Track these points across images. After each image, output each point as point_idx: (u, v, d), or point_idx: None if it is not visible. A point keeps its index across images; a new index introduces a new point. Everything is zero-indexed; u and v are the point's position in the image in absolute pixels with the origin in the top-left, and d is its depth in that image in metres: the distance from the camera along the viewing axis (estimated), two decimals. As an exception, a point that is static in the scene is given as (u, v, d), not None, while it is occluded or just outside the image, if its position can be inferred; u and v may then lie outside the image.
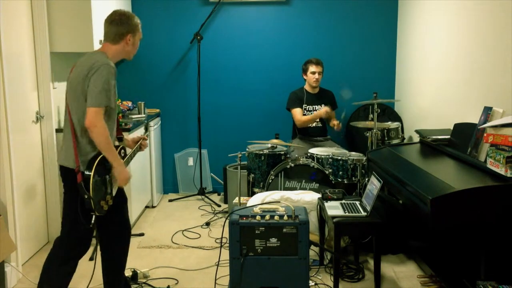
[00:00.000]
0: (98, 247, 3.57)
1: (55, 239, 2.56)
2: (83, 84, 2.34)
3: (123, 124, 4.01)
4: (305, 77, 4.58)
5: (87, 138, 2.39)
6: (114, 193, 2.52)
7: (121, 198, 2.66)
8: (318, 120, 4.60)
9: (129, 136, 2.91)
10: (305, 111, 4.58)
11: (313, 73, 4.49)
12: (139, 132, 4.34)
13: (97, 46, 3.77)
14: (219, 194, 5.19)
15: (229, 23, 5.02)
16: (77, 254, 2.53)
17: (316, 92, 4.62)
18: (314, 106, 4.59)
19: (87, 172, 2.34)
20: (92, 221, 2.46)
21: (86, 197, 2.32)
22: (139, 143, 2.77)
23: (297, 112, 4.53)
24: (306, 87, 4.63)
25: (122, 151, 2.60)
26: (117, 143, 2.64)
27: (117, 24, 2.47)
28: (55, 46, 3.71)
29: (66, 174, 2.44)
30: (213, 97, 5.12)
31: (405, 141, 4.48)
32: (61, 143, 2.51)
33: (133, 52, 2.60)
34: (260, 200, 3.41)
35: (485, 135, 2.57)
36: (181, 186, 5.23)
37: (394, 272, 3.26)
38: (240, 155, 4.00)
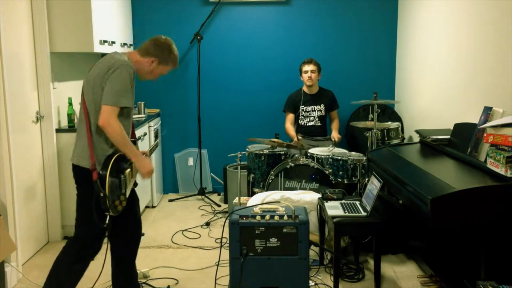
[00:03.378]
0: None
1: (68, 238, 2.56)
2: (101, 82, 2.34)
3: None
4: (301, 78, 4.60)
5: (103, 137, 2.38)
6: (128, 193, 2.51)
7: (133, 199, 2.67)
8: (318, 120, 4.61)
9: None
10: (303, 112, 4.60)
11: (306, 72, 4.51)
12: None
13: (97, 46, 3.78)
14: (219, 194, 5.19)
15: (229, 23, 5.02)
16: (89, 253, 2.53)
17: (314, 93, 4.63)
18: (312, 107, 4.60)
19: (103, 171, 2.32)
20: (107, 221, 2.45)
21: (101, 195, 2.29)
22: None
23: (287, 118, 4.67)
24: (304, 88, 4.64)
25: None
26: None
27: (156, 45, 2.54)
28: (55, 46, 3.71)
29: (80, 173, 2.43)
30: (213, 97, 5.12)
31: (405, 141, 4.48)
32: (75, 142, 2.48)
33: (148, 76, 2.60)
34: (260, 200, 3.41)
35: (485, 135, 2.57)
36: (181, 186, 5.23)
37: (394, 272, 3.26)
38: (240, 155, 4.00)
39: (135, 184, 2.68)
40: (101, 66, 2.39)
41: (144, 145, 4.46)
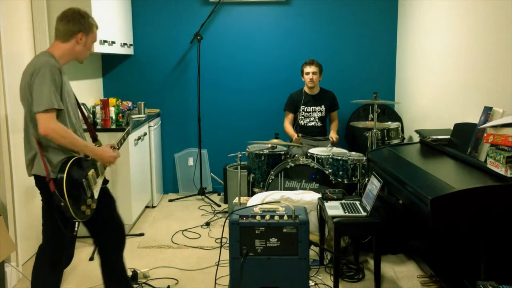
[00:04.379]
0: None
1: (39, 246, 2.48)
2: (29, 90, 2.21)
3: (123, 124, 4.01)
4: (302, 79, 4.60)
5: (51, 144, 2.26)
6: (96, 195, 2.41)
7: (109, 199, 2.58)
8: (318, 120, 4.62)
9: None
10: (304, 113, 4.60)
11: (308, 73, 4.51)
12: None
13: (97, 46, 3.77)
14: (219, 194, 5.19)
15: (229, 23, 5.02)
16: (62, 260, 2.46)
17: (315, 93, 4.63)
18: (313, 108, 4.61)
19: (59, 178, 2.20)
20: (76, 228, 2.38)
21: (62, 204, 2.18)
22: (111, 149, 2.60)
23: (286, 117, 4.68)
24: (305, 88, 4.64)
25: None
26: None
27: (69, 21, 2.34)
28: (55, 46, 3.70)
29: (39, 182, 2.33)
30: (213, 97, 5.12)
31: (405, 141, 4.48)
32: (26, 153, 2.35)
33: (85, 54, 2.44)
34: (260, 200, 3.41)
35: (485, 135, 2.57)
36: (181, 186, 5.23)
37: (394, 272, 3.26)
38: (240, 155, 4.00)
39: (106, 182, 2.57)
40: (25, 75, 2.26)
41: (144, 145, 4.47)
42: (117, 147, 2.64)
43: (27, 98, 2.24)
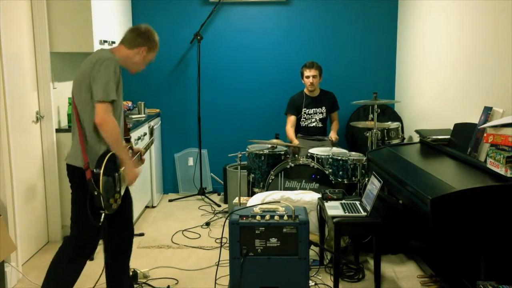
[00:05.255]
0: (98, 248, 3.58)
1: (64, 237, 2.56)
2: (88, 80, 2.33)
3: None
4: (302, 81, 4.60)
5: (96, 135, 2.37)
6: (122, 191, 2.50)
7: (127, 199, 2.65)
8: (319, 121, 4.62)
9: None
10: (305, 114, 4.60)
11: (308, 77, 4.51)
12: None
13: (97, 46, 3.77)
14: (219, 194, 5.19)
15: (229, 23, 5.02)
16: (86, 252, 2.52)
17: (316, 95, 4.63)
18: (314, 109, 4.61)
19: (96, 169, 2.30)
20: (102, 219, 2.42)
21: (96, 193, 2.28)
22: (137, 155, 2.73)
23: (288, 120, 4.64)
24: (305, 90, 4.64)
25: (130, 151, 2.60)
26: (124, 143, 2.62)
27: (139, 34, 2.53)
28: (55, 46, 3.71)
29: (74, 173, 2.42)
30: (213, 97, 5.12)
31: (405, 141, 4.48)
32: (71, 142, 2.49)
33: (140, 67, 2.61)
34: (260, 200, 3.41)
35: (485, 135, 2.57)
36: (181, 186, 5.23)
37: (394, 272, 3.26)
38: (240, 155, 4.00)
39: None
40: (86, 64, 2.39)
41: (144, 145, 4.46)
42: (143, 152, 2.79)
43: (85, 85, 2.34)
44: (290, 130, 4.59)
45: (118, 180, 2.43)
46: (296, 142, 4.41)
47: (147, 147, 3.01)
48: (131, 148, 2.64)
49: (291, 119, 4.63)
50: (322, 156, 4.00)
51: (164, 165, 5.21)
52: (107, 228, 2.59)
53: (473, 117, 3.05)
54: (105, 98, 2.29)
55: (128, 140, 2.67)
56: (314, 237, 3.30)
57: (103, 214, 2.39)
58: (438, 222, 2.31)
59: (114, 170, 2.40)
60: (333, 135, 4.50)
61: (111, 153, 2.37)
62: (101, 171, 2.29)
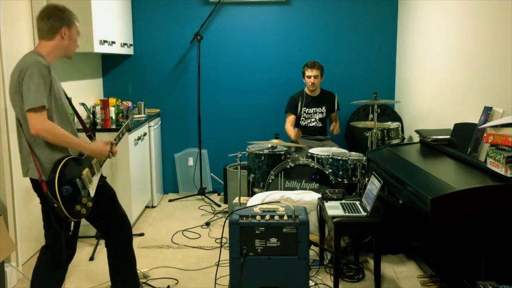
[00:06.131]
0: (98, 247, 3.59)
1: (41, 247, 2.50)
2: (17, 89, 2.21)
3: (123, 123, 4.00)
4: (304, 80, 4.60)
5: (42, 143, 2.25)
6: (92, 193, 2.40)
7: (108, 194, 2.56)
8: (319, 121, 4.62)
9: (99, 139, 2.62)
10: (305, 114, 4.60)
11: (309, 77, 4.51)
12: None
13: (97, 46, 3.78)
14: (219, 194, 5.19)
15: (229, 23, 5.02)
16: (63, 260, 2.47)
17: (316, 95, 4.63)
18: (314, 109, 4.61)
19: (51, 179, 2.20)
20: (72, 228, 2.39)
21: (55, 205, 2.18)
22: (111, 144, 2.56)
23: (288, 119, 4.65)
24: (306, 89, 4.64)
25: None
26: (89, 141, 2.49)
27: (49, 18, 2.33)
28: (55, 46, 3.70)
29: (35, 185, 2.33)
30: (213, 97, 5.12)
31: (405, 141, 4.48)
32: (20, 155, 2.35)
33: (73, 48, 2.44)
34: (260, 200, 3.41)
35: (485, 135, 2.57)
36: (181, 186, 5.23)
37: (394, 272, 3.26)
38: (240, 155, 4.00)
39: (103, 178, 2.57)
40: (14, 74, 2.26)
41: (144, 145, 4.46)
42: (115, 142, 2.62)
43: (17, 98, 2.23)
44: (289, 128, 4.59)
45: (81, 185, 2.31)
46: (295, 132, 4.41)
47: (119, 136, 2.74)
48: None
49: (291, 118, 4.63)
50: (322, 156, 4.00)
51: (164, 165, 5.21)
52: (100, 227, 2.58)
53: (473, 117, 3.05)
54: (34, 105, 2.13)
55: (90, 137, 2.52)
56: (314, 237, 3.30)
57: (73, 223, 2.34)
58: (438, 222, 2.31)
59: (73, 175, 2.28)
60: (334, 127, 4.54)
61: (65, 159, 2.25)
62: (56, 180, 2.17)
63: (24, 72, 2.18)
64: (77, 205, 2.28)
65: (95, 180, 2.46)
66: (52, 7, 2.38)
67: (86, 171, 2.38)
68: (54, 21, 2.34)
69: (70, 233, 2.40)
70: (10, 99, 2.31)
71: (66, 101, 2.45)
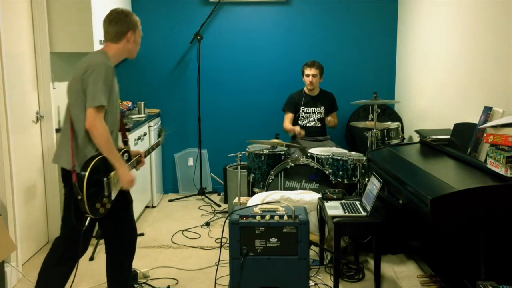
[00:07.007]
0: (98, 247, 3.59)
1: (54, 239, 2.55)
2: (80, 85, 2.33)
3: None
4: (303, 79, 4.60)
5: (86, 139, 2.36)
6: (113, 196, 2.45)
7: (125, 200, 2.61)
8: (317, 121, 4.62)
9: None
10: (303, 113, 4.60)
11: (308, 75, 4.52)
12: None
13: (97, 46, 3.77)
14: (219, 194, 5.19)
15: (229, 23, 5.02)
16: (72, 255, 2.48)
17: (315, 94, 4.63)
18: (312, 109, 4.61)
19: (82, 173, 2.27)
20: (86, 223, 2.40)
21: (79, 197, 2.25)
22: (136, 158, 2.66)
23: (286, 117, 4.66)
24: (305, 89, 4.64)
25: (126, 154, 2.56)
26: (122, 146, 2.60)
27: (117, 22, 2.47)
28: (55, 46, 3.71)
29: (64, 175, 2.42)
30: (213, 97, 5.12)
31: (405, 141, 4.48)
32: (58, 143, 2.48)
33: (136, 50, 2.59)
34: (260, 200, 3.41)
35: (485, 135, 2.57)
36: (181, 186, 5.23)
37: (394, 272, 3.26)
38: (240, 155, 4.00)
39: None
40: (79, 68, 2.37)
41: (144, 145, 4.46)
42: (144, 155, 2.74)
43: (77, 89, 2.34)
44: (288, 125, 4.59)
45: (107, 185, 2.38)
46: (297, 129, 4.40)
47: (151, 149, 2.93)
48: (127, 151, 2.59)
49: (289, 116, 4.63)
50: (322, 156, 4.00)
51: (164, 165, 5.21)
52: (106, 231, 2.58)
53: (473, 117, 3.05)
54: (95, 104, 2.28)
55: (125, 143, 2.64)
56: (314, 237, 3.30)
57: (87, 218, 2.37)
58: (438, 222, 2.31)
59: (102, 174, 2.36)
60: (331, 120, 4.58)
61: (100, 156, 2.34)
62: (86, 174, 2.26)
63: (91, 71, 2.31)
64: (97, 203, 2.34)
65: (119, 184, 2.50)
66: (120, 11, 2.51)
67: (114, 174, 2.44)
68: (121, 26, 2.48)
69: (84, 228, 2.41)
70: (68, 88, 2.44)
71: (119, 105, 2.56)
